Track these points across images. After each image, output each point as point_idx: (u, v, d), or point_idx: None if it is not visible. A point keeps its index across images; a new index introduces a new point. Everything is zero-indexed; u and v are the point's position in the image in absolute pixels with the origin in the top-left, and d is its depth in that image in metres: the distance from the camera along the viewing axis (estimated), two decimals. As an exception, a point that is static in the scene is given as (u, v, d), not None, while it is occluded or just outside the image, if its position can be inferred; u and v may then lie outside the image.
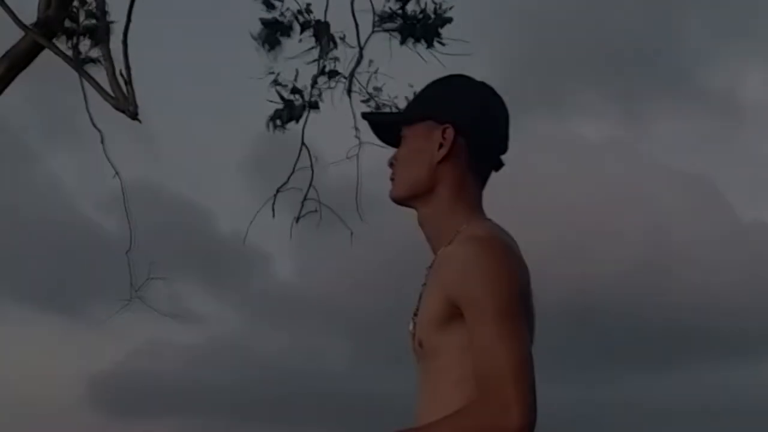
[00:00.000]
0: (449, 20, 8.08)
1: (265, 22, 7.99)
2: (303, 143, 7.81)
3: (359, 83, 8.14)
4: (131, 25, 7.30)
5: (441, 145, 2.43)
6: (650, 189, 14.98)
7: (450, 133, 2.42)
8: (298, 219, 7.65)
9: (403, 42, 8.15)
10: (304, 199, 7.68)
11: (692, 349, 14.18)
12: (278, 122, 7.83)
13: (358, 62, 8.12)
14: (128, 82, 7.23)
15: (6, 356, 12.93)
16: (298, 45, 8.09)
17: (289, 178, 7.72)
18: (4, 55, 7.30)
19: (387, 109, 7.91)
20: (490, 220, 2.43)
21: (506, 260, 2.28)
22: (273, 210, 7.59)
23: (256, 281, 10.87)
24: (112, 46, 7.39)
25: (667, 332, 13.68)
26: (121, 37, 7.28)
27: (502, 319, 2.22)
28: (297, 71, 8.03)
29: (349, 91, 8.12)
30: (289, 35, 8.01)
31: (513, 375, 2.17)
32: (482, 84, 2.51)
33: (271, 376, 13.00)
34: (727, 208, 14.71)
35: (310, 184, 7.69)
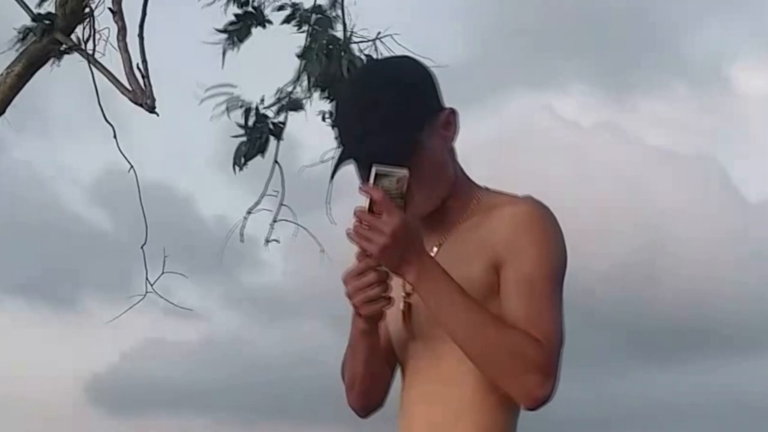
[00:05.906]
0: None
1: (237, 16, 7.16)
2: (275, 161, 7.21)
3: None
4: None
5: (446, 130, 2.29)
6: (644, 172, 14.31)
7: (455, 116, 2.30)
8: (267, 242, 7.22)
9: None
10: (274, 221, 7.22)
11: (697, 345, 13.73)
12: (242, 161, 6.96)
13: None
14: (145, 75, 7.32)
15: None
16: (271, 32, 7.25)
17: (260, 199, 7.23)
18: (22, 52, 7.40)
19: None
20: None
21: (556, 225, 2.22)
22: (241, 235, 7.13)
23: (247, 272, 10.60)
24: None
25: (668, 325, 13.31)
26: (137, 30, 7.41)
27: (553, 286, 2.16)
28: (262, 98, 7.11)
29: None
30: (264, 25, 7.20)
31: (556, 347, 2.13)
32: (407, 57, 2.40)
33: (271, 374, 12.80)
34: (732, 189, 14.16)
35: (280, 205, 7.21)
